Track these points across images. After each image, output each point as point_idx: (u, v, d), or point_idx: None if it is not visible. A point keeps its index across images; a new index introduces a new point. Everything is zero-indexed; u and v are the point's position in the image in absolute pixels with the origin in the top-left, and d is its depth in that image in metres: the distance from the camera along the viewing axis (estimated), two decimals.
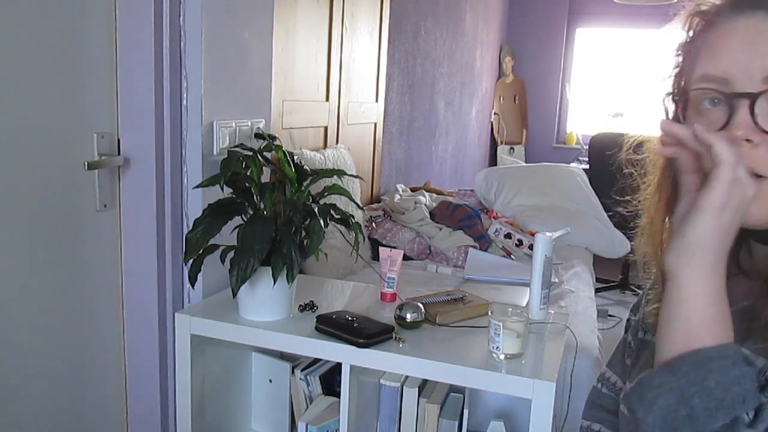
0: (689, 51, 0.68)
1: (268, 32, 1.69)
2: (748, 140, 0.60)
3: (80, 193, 1.37)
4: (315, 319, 1.35)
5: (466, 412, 1.41)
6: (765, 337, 0.63)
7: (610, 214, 3.34)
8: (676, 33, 0.69)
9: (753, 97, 0.59)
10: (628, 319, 0.89)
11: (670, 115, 0.69)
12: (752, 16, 0.61)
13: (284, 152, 1.42)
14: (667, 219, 0.74)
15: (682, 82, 0.68)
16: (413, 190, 3.27)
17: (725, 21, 0.63)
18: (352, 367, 1.29)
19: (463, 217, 2.77)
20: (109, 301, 1.49)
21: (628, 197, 0.80)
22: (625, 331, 0.89)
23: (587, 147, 4.29)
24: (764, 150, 0.60)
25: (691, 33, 0.68)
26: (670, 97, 0.69)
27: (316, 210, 1.34)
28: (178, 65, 1.46)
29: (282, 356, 1.61)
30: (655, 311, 0.79)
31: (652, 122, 0.72)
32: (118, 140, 1.45)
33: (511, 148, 5.57)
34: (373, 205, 2.93)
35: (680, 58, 0.69)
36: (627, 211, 0.80)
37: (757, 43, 0.60)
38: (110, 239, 1.47)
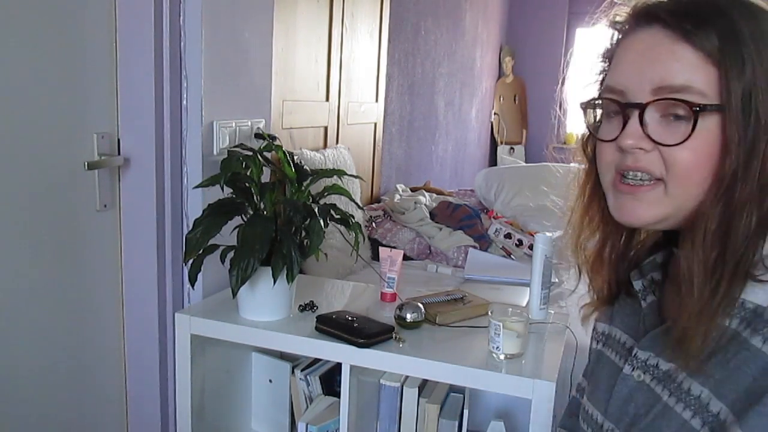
0: (607, 60, 0.71)
1: (268, 32, 1.69)
2: (640, 148, 0.63)
3: (80, 193, 1.37)
4: (315, 319, 1.35)
5: (466, 412, 1.41)
6: (678, 355, 0.65)
7: None
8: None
9: (642, 108, 0.63)
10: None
11: (590, 121, 0.72)
12: (648, 30, 0.64)
13: (284, 152, 1.42)
14: (584, 218, 0.77)
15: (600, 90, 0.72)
16: (413, 190, 3.27)
17: (630, 33, 0.67)
18: (352, 367, 1.29)
19: (463, 217, 2.77)
20: (109, 301, 1.49)
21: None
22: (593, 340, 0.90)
23: None
24: (656, 155, 0.63)
25: (610, 42, 0.71)
26: (586, 105, 0.72)
27: (316, 210, 1.34)
28: (178, 65, 1.46)
29: (282, 356, 1.61)
30: (585, 306, 0.83)
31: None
32: (118, 140, 1.45)
33: (511, 148, 5.57)
34: (373, 205, 2.93)
35: (604, 65, 0.72)
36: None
37: (648, 57, 0.63)
38: (110, 239, 1.47)
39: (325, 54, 2.46)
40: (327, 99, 2.52)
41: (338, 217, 1.40)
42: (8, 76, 1.19)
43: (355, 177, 1.68)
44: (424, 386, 1.45)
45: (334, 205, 1.41)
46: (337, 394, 1.39)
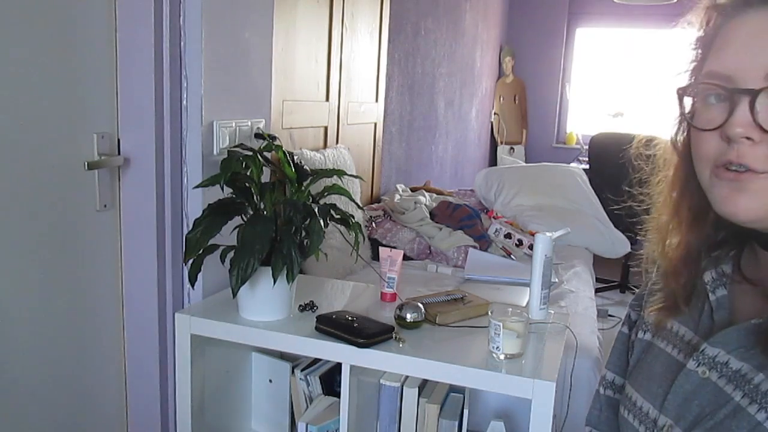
0: (704, 45, 0.66)
1: (268, 32, 1.69)
2: (748, 138, 0.59)
3: (80, 193, 1.37)
4: (315, 319, 1.35)
5: (466, 412, 1.41)
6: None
7: (618, 209, 3.35)
8: (688, 30, 0.68)
9: (753, 94, 0.58)
10: (627, 314, 0.88)
11: (684, 110, 0.68)
12: (761, 10, 0.60)
13: (284, 152, 1.42)
14: (674, 218, 0.73)
15: (696, 77, 0.67)
16: (413, 190, 3.27)
17: (736, 16, 0.62)
18: (352, 367, 1.29)
19: (463, 217, 2.77)
20: (109, 301, 1.49)
21: (637, 190, 0.79)
22: (627, 327, 0.87)
23: (587, 147, 4.29)
24: (764, 148, 0.59)
25: (707, 27, 0.66)
26: (684, 91, 0.67)
27: (316, 210, 1.34)
28: (178, 65, 1.46)
29: (282, 356, 1.61)
30: (656, 311, 0.78)
31: (654, 121, 0.71)
32: (118, 140, 1.45)
33: (511, 148, 5.57)
34: (373, 205, 2.92)
35: (697, 52, 0.68)
36: (636, 204, 0.79)
37: (761, 39, 0.59)
38: (110, 239, 1.47)
39: (325, 54, 2.46)
40: (327, 99, 2.52)
41: (338, 217, 1.40)
42: (8, 76, 1.18)
43: (355, 177, 1.68)
44: (424, 386, 1.45)
45: (334, 205, 1.41)
46: (337, 394, 1.39)
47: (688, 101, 0.67)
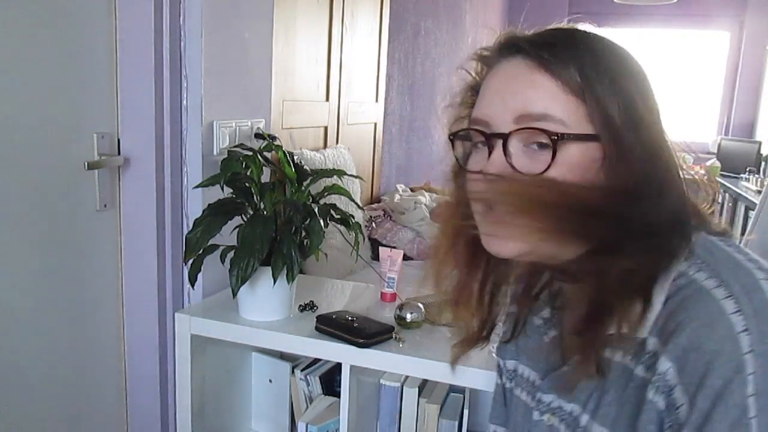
0: (475, 93, 0.70)
1: (268, 32, 1.69)
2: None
3: (80, 193, 1.37)
4: (315, 319, 1.35)
5: (466, 412, 1.41)
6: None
7: None
8: (465, 77, 0.73)
9: (505, 138, 0.62)
10: (497, 362, 0.88)
11: (459, 153, 0.72)
12: (511, 61, 0.65)
13: (284, 152, 1.42)
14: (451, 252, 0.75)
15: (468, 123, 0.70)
16: (413, 190, 3.27)
17: (495, 66, 0.67)
18: (352, 367, 1.29)
19: None
20: (109, 301, 1.49)
21: None
22: (499, 375, 0.88)
23: None
24: None
25: (478, 76, 0.71)
26: (454, 136, 0.72)
27: (316, 210, 1.34)
28: (178, 65, 1.46)
29: (282, 356, 1.61)
30: (457, 347, 0.82)
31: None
32: (118, 140, 1.45)
33: None
34: (373, 205, 2.93)
35: (473, 99, 0.71)
36: None
37: (509, 86, 0.63)
38: (110, 239, 1.47)
39: (325, 54, 2.46)
40: (327, 99, 2.52)
41: (338, 217, 1.40)
42: (8, 76, 1.18)
43: (355, 177, 1.68)
44: (424, 386, 1.45)
45: (334, 205, 1.41)
46: (337, 394, 1.39)
47: (465, 145, 0.71)
